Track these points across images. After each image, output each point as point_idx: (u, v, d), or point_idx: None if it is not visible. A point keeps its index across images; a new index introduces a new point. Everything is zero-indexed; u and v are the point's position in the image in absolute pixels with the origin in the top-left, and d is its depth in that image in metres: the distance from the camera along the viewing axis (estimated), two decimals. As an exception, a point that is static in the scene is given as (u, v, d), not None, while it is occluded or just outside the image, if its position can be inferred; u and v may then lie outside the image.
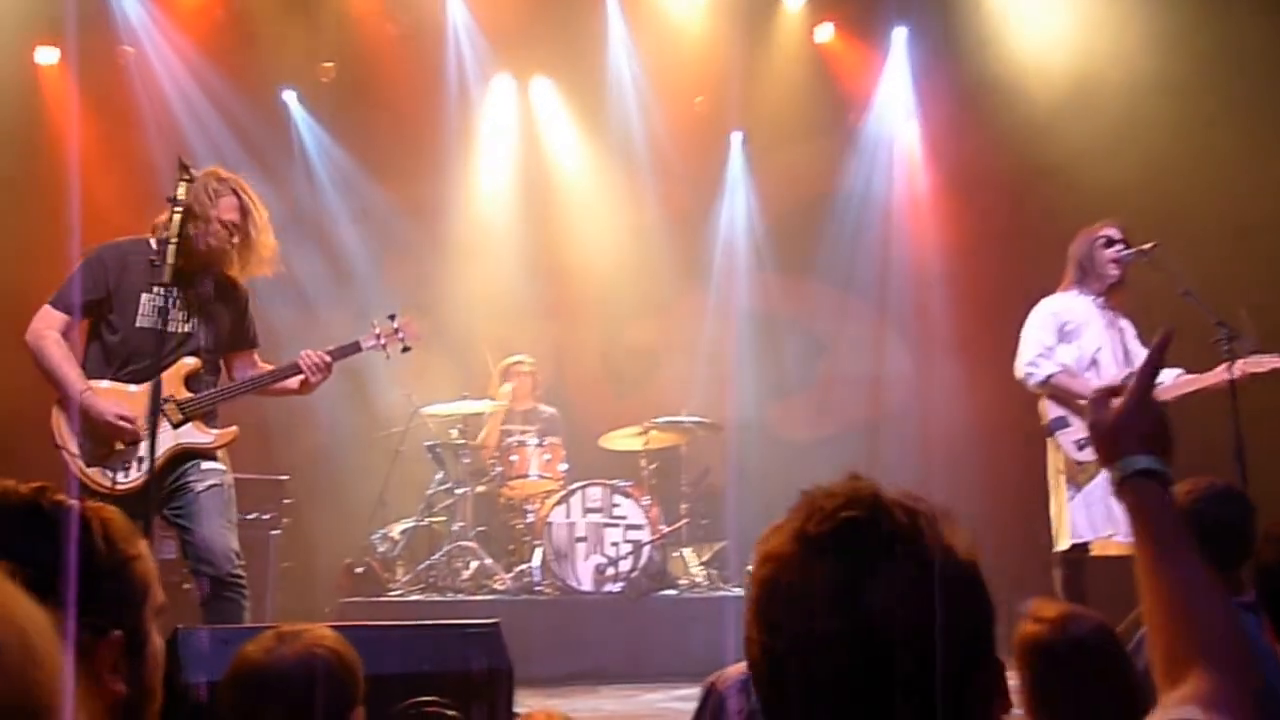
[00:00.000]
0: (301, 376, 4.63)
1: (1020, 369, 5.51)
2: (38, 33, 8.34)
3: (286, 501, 7.77)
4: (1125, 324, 5.65)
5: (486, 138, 9.76)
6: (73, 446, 4.29)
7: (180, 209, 4.23)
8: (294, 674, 2.00)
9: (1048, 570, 5.66)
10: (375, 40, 9.19)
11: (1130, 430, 1.48)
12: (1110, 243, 5.56)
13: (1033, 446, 5.86)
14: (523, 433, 8.02)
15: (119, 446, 4.31)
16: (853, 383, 9.38)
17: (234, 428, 4.61)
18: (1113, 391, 1.54)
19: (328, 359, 4.62)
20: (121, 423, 4.25)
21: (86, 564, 1.29)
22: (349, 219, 9.17)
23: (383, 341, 4.86)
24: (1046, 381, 5.42)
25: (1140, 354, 5.59)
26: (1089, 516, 5.36)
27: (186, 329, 4.49)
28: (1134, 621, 2.81)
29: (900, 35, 9.76)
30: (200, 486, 4.38)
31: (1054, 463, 5.56)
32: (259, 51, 8.86)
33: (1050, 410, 5.46)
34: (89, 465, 4.29)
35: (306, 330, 7.59)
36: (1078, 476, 5.40)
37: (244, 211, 4.54)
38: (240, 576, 4.36)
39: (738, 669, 2.51)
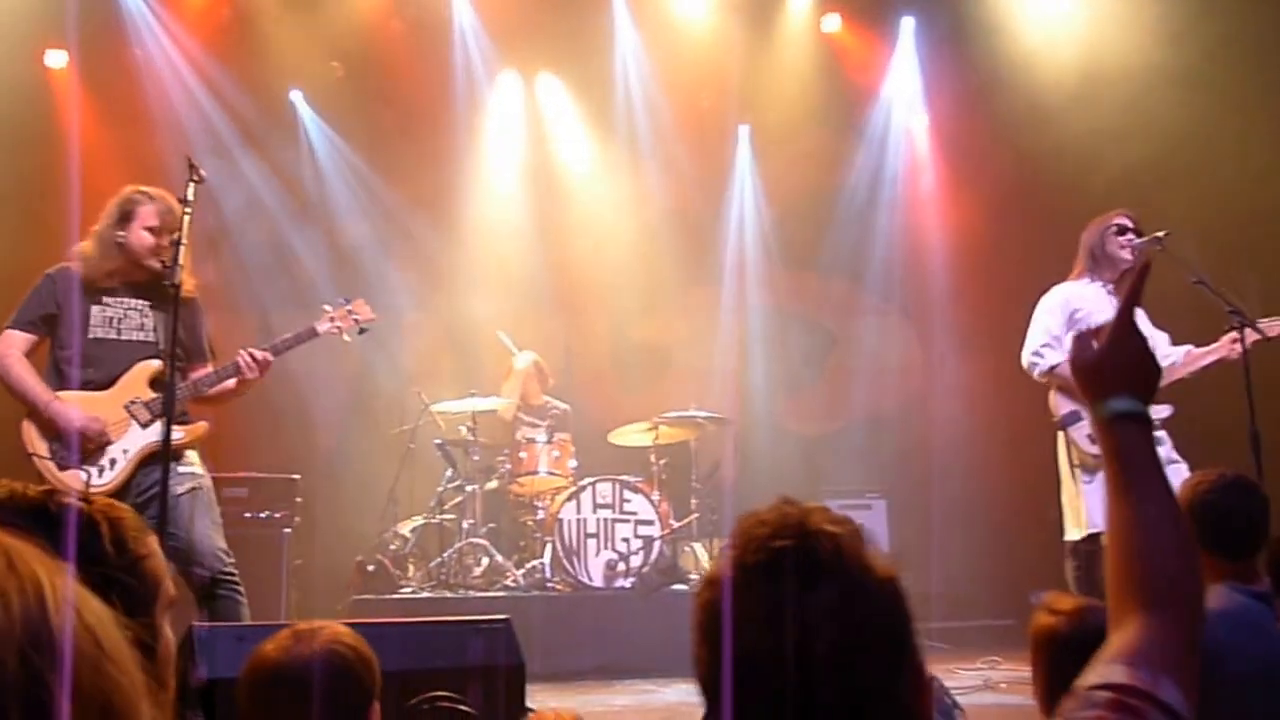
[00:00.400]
0: (238, 377, 4.66)
1: (1026, 358, 5.49)
2: (47, 36, 8.35)
3: (298, 500, 7.80)
4: (1138, 312, 5.63)
5: (494, 135, 9.76)
6: (44, 453, 4.38)
7: (190, 210, 4.27)
8: (311, 671, 2.01)
9: (1058, 562, 5.66)
10: (382, 38, 9.21)
11: (1111, 369, 1.46)
12: (1122, 230, 5.52)
13: (1044, 438, 5.81)
14: (532, 428, 8.03)
15: (91, 449, 4.39)
16: (862, 375, 9.38)
17: (203, 423, 4.66)
18: (1095, 333, 1.54)
19: (267, 356, 4.65)
20: (90, 425, 4.35)
21: (98, 562, 1.30)
22: (358, 217, 9.18)
23: (337, 324, 4.93)
24: (1051, 371, 5.39)
25: (1151, 337, 5.56)
26: (1104, 506, 5.32)
27: (142, 336, 4.57)
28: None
29: (908, 25, 9.76)
30: (179, 490, 4.39)
31: (1065, 454, 5.52)
32: (266, 51, 8.88)
33: (1062, 405, 5.43)
34: (61, 470, 4.36)
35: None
36: (1093, 467, 5.34)
37: (162, 219, 4.57)
38: (232, 574, 4.43)
39: None
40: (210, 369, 4.73)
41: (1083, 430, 5.33)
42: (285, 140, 9.09)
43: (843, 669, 1.14)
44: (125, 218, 4.57)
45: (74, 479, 4.33)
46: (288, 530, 7.62)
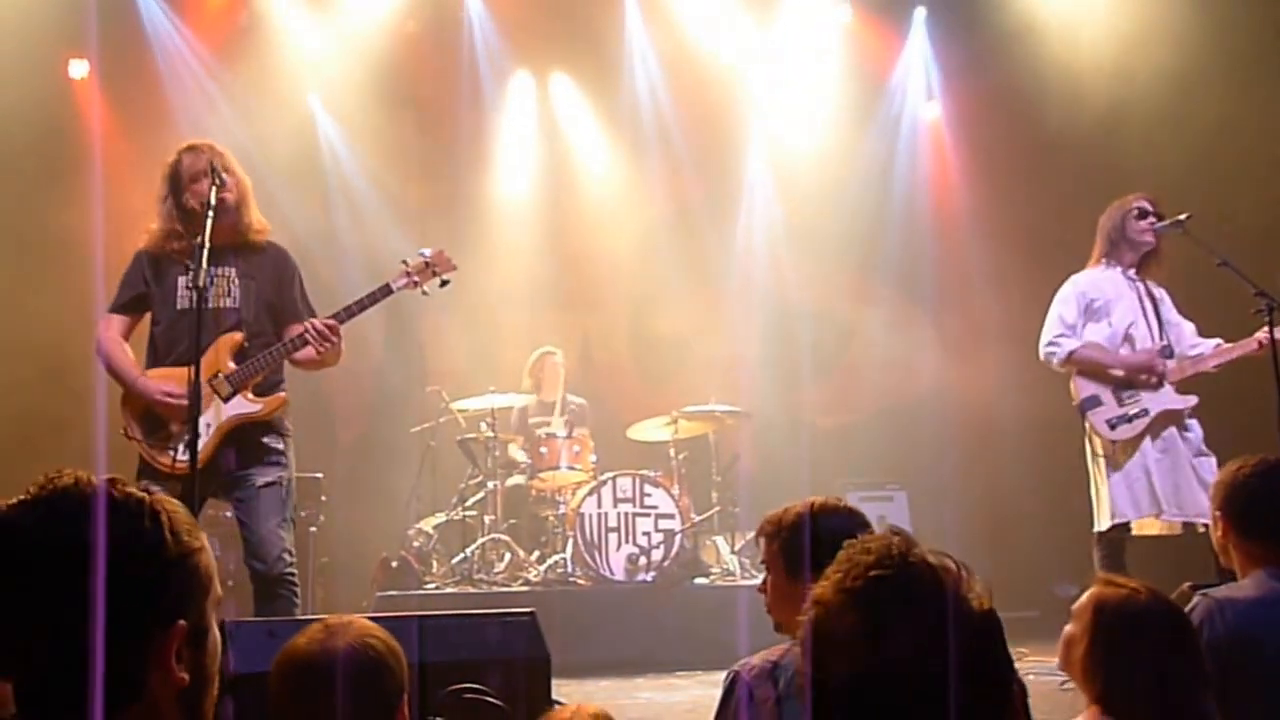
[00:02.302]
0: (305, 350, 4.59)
1: (1042, 349, 5.48)
2: (70, 46, 8.42)
3: (323, 499, 7.88)
4: (1160, 293, 5.56)
5: (509, 133, 9.81)
6: (137, 433, 4.45)
7: (212, 214, 4.31)
8: (342, 664, 2.05)
9: (1082, 552, 5.64)
10: (397, 40, 9.26)
11: None
12: (1143, 214, 5.48)
13: (1065, 426, 5.86)
14: (549, 424, 8.07)
15: (174, 428, 4.40)
16: (879, 366, 9.38)
17: (282, 394, 4.60)
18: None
19: (332, 323, 4.53)
20: (168, 399, 4.37)
21: (155, 556, 1.31)
22: (375, 217, 9.22)
23: (414, 279, 4.74)
24: (1069, 358, 5.40)
25: (1176, 324, 5.54)
26: (1131, 495, 5.27)
27: (227, 303, 4.54)
28: (1182, 597, 2.83)
29: (920, 15, 9.77)
30: (260, 481, 4.45)
31: (1090, 443, 5.49)
32: (282, 56, 8.94)
33: (1082, 389, 5.41)
34: (151, 447, 4.41)
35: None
36: (1116, 456, 5.34)
37: (235, 177, 4.58)
38: (291, 575, 4.45)
39: (761, 657, 2.54)
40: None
41: (1101, 415, 5.33)
42: (304, 145, 9.13)
43: (936, 693, 1.23)
44: (175, 181, 4.55)
45: (162, 455, 4.38)
46: (313, 529, 7.70)
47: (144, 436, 4.44)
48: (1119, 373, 5.33)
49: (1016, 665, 1.38)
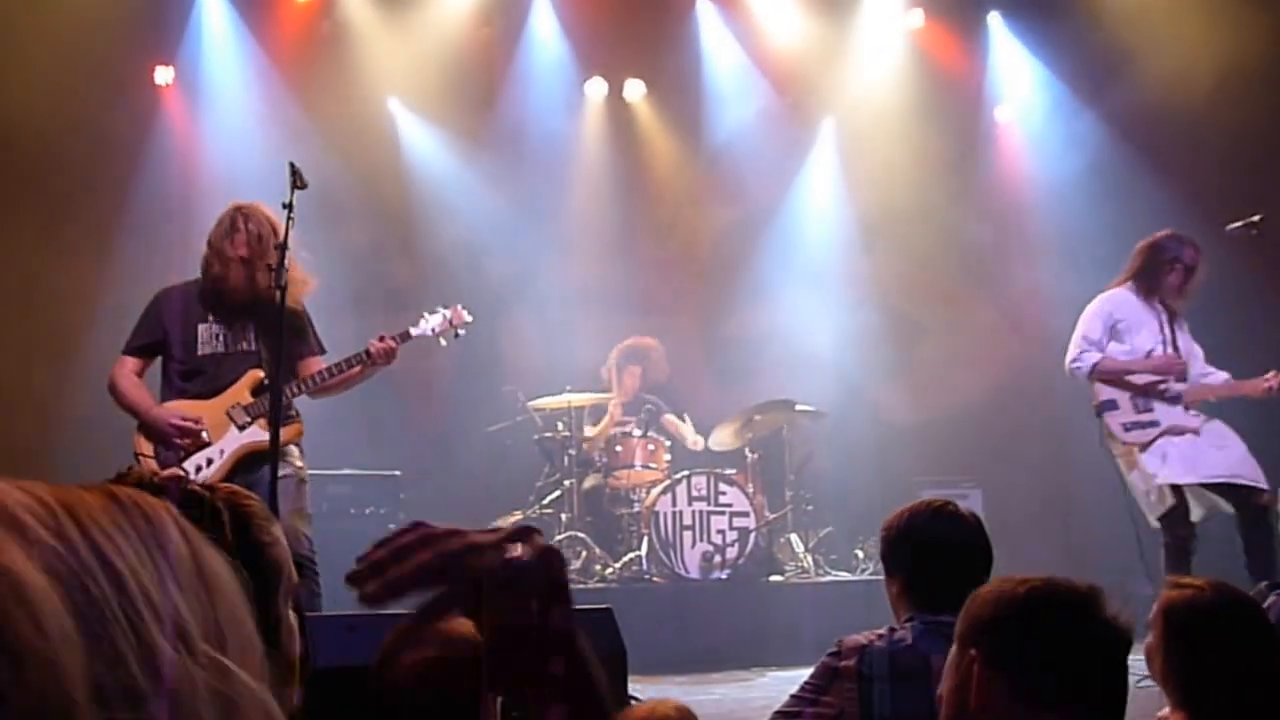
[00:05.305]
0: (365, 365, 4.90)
1: (1068, 364, 5.78)
2: (154, 53, 8.64)
3: (401, 496, 7.99)
4: (1180, 321, 5.80)
5: (583, 138, 9.85)
6: (148, 452, 4.70)
7: (293, 215, 4.42)
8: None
9: (1158, 549, 5.66)
10: (473, 45, 9.36)
11: None
12: (1184, 271, 5.64)
13: None
14: (626, 424, 8.09)
15: (189, 446, 4.67)
16: (954, 363, 9.30)
17: (298, 424, 4.89)
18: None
19: (394, 345, 4.92)
20: (184, 423, 4.63)
21: (229, 550, 1.35)
22: (452, 219, 9.30)
23: (435, 331, 5.20)
24: (1093, 370, 5.67)
25: (1190, 352, 5.78)
26: (1160, 465, 5.52)
27: (246, 347, 4.80)
28: (1259, 595, 2.78)
29: (995, 20, 9.69)
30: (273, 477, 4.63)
31: (1109, 445, 5.74)
32: (361, 62, 9.09)
33: (1101, 393, 5.69)
34: (163, 467, 4.57)
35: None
36: (1132, 454, 5.61)
37: (256, 240, 4.76)
38: (311, 560, 4.64)
39: (862, 635, 2.64)
40: (321, 362, 4.95)
41: (1117, 418, 5.62)
42: (383, 149, 9.26)
43: None
44: (227, 232, 4.80)
45: (172, 475, 4.52)
46: (391, 526, 7.80)
47: (155, 456, 4.68)
48: (1141, 379, 5.62)
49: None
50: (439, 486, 8.50)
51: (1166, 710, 2.32)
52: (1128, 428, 5.59)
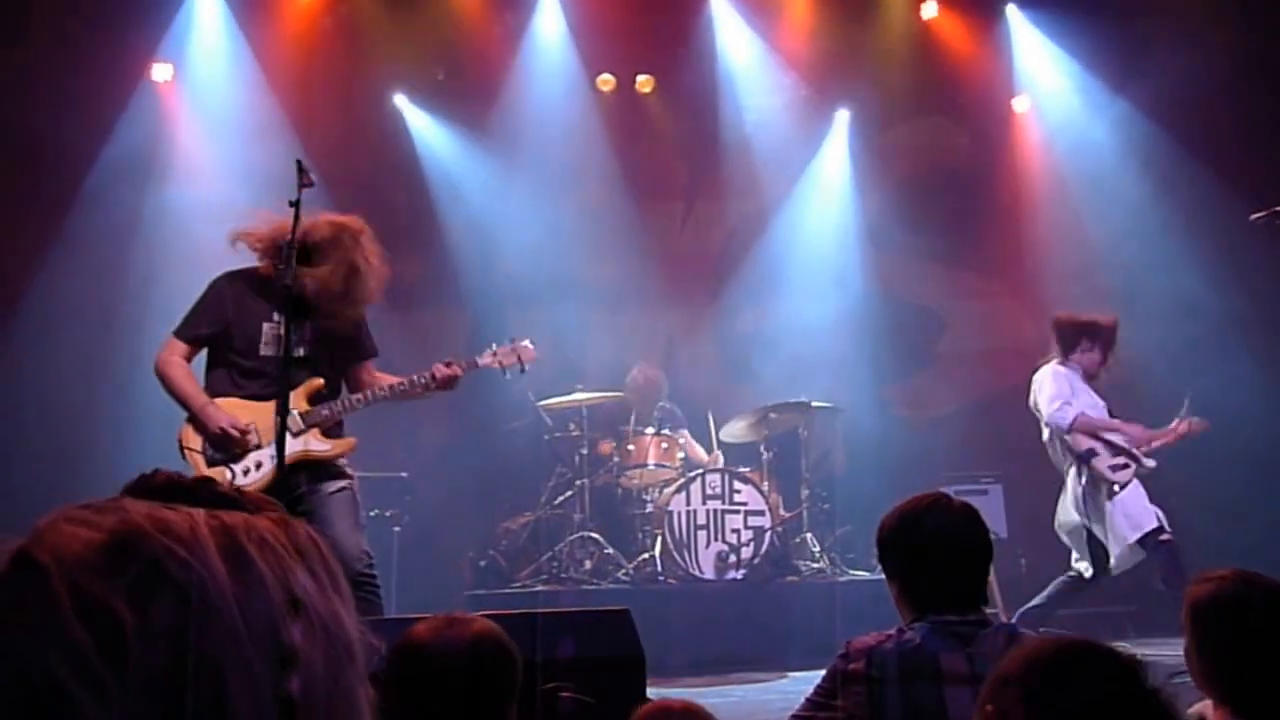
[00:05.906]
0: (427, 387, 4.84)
1: (1051, 418, 6.27)
2: (153, 50, 8.60)
3: (407, 498, 7.91)
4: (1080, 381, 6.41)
5: (595, 134, 9.78)
6: (196, 447, 4.55)
7: (299, 213, 4.35)
8: (462, 658, 2.04)
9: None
10: (481, 41, 9.30)
11: None
12: (1101, 348, 6.28)
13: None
14: (642, 430, 7.99)
15: (238, 450, 4.53)
16: (972, 359, 9.23)
17: (351, 439, 4.79)
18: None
19: (459, 373, 4.86)
20: (232, 430, 4.48)
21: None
22: (463, 220, 9.24)
23: (500, 360, 5.14)
24: (1074, 422, 6.20)
25: (1097, 405, 6.43)
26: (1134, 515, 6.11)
27: (305, 352, 4.66)
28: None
29: (1012, 11, 9.60)
30: (328, 490, 4.60)
31: (1095, 485, 6.22)
32: (370, 57, 9.03)
33: (1081, 443, 6.23)
34: (209, 466, 4.49)
35: (414, 332, 7.78)
36: (1114, 489, 6.14)
37: (354, 269, 4.66)
38: (372, 574, 4.57)
39: (871, 637, 2.60)
40: (376, 373, 4.90)
41: (1104, 462, 6.16)
42: (392, 145, 9.20)
43: None
44: (306, 243, 4.58)
45: (219, 474, 4.44)
46: (397, 529, 7.74)
47: (203, 452, 4.55)
48: (1115, 437, 6.24)
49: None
50: (446, 488, 8.42)
51: (1207, 703, 2.26)
52: (1115, 468, 6.18)
